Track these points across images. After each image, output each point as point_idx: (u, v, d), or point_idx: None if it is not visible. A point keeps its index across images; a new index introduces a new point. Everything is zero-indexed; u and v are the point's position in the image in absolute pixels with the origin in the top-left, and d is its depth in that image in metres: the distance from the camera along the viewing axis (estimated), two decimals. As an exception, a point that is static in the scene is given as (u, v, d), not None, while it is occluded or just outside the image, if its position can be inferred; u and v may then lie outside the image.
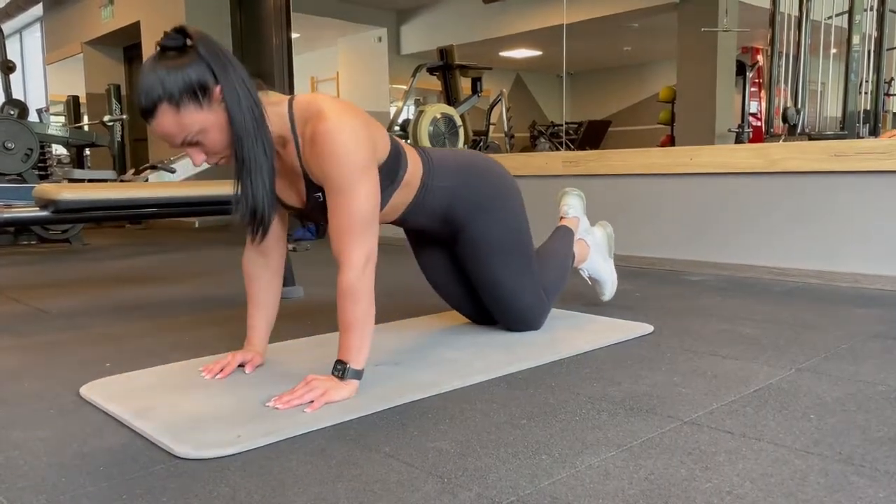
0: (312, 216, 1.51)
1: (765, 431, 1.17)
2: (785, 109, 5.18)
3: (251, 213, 1.36)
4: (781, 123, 5.17)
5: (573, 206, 2.15)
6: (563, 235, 2.07)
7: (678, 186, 3.14)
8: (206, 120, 1.28)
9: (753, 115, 7.43)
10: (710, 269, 3.03)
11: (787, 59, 4.93)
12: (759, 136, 6.91)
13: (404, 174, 1.56)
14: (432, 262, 1.90)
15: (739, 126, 6.91)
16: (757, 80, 7.48)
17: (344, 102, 1.40)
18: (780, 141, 4.35)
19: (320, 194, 1.42)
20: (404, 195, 1.60)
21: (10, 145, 4.63)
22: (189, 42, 1.28)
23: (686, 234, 3.13)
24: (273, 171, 1.36)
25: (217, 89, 1.28)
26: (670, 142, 7.44)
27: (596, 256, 2.15)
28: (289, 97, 1.42)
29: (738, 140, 6.69)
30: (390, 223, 1.70)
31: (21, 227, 4.68)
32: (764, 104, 7.01)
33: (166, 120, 1.27)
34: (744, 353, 1.68)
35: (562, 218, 2.15)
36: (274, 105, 1.39)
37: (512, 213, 1.75)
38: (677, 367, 1.56)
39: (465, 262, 1.79)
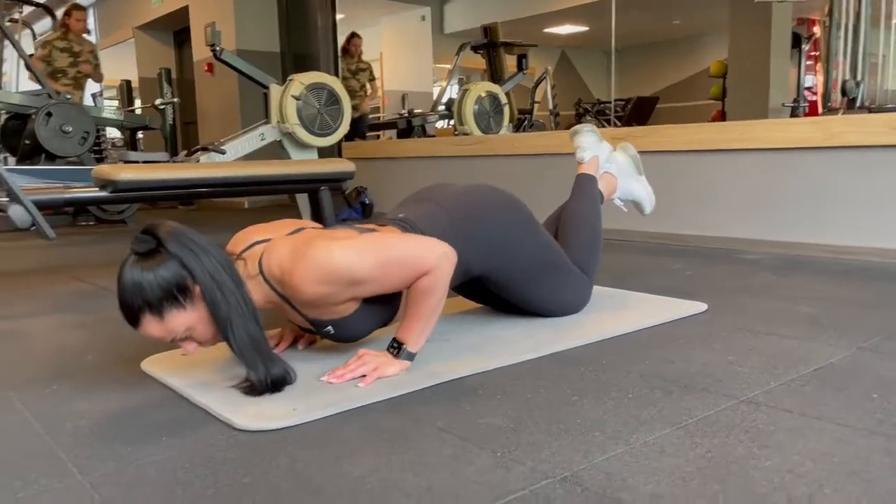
0: (333, 340, 1.48)
1: (826, 411, 1.14)
2: (844, 82, 4.98)
3: (273, 385, 1.27)
4: (840, 97, 4.98)
5: (588, 146, 2.02)
6: (585, 192, 1.95)
7: (731, 163, 3.06)
8: (190, 319, 1.23)
9: (809, 89, 7.17)
10: (764, 248, 2.95)
11: (846, 30, 4.74)
12: (814, 111, 6.67)
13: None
14: (466, 294, 1.86)
15: (795, 100, 6.69)
16: (813, 53, 7.20)
17: (292, 243, 1.34)
18: (839, 115, 4.20)
19: (329, 328, 1.40)
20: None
21: (67, 129, 4.77)
22: (159, 242, 1.22)
23: (740, 211, 3.05)
24: (265, 341, 1.29)
25: (196, 288, 1.23)
26: (721, 117, 7.24)
27: (624, 181, 2.05)
28: (257, 261, 1.34)
29: (794, 115, 6.48)
30: None
31: (79, 208, 4.84)
32: (820, 77, 6.76)
33: (152, 328, 1.23)
34: (802, 332, 1.63)
35: (579, 164, 2.02)
36: (250, 278, 1.32)
37: (523, 242, 1.66)
38: (732, 346, 1.53)
39: (498, 295, 1.74)
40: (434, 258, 1.33)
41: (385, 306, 1.43)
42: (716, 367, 1.38)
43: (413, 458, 1.01)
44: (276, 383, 1.27)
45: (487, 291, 1.74)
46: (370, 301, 1.39)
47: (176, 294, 1.21)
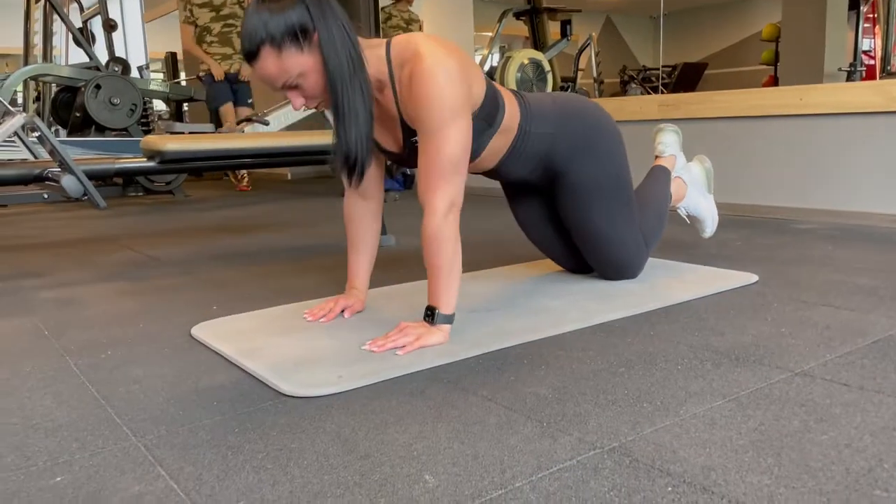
0: (410, 161, 1.50)
1: (885, 384, 1.10)
2: (905, 44, 4.76)
3: (345, 159, 1.37)
4: (900, 60, 4.76)
5: (669, 144, 2.05)
6: (659, 177, 1.98)
7: (786, 129, 2.96)
8: (306, 63, 1.29)
9: (866, 52, 6.87)
10: (820, 217, 2.85)
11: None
12: (872, 75, 6.40)
13: (502, 118, 1.53)
14: (531, 217, 1.87)
15: (851, 65, 6.42)
16: (871, 15, 6.88)
17: (442, 42, 1.38)
18: (900, 79, 4.01)
19: (416, 139, 1.41)
20: (502, 140, 1.57)
21: (115, 101, 4.86)
22: None
23: (794, 179, 2.95)
24: (371, 117, 1.36)
25: (315, 35, 1.29)
26: (773, 83, 7.00)
27: (694, 193, 2.06)
28: (387, 39, 1.41)
29: (850, 80, 6.22)
30: (487, 174, 1.67)
31: (128, 180, 4.94)
32: (879, 41, 6.47)
33: (268, 63, 1.28)
34: (860, 303, 1.58)
35: (657, 157, 2.06)
36: (373, 48, 1.38)
37: (612, 156, 1.70)
38: (785, 318, 1.49)
39: (564, 211, 1.75)
40: (444, 196, 1.34)
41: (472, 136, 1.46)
42: (768, 339, 1.35)
43: (458, 426, 1.01)
44: (359, 154, 1.35)
45: (548, 211, 1.81)
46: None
47: (298, 34, 1.27)
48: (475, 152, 1.51)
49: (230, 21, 5.01)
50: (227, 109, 5.05)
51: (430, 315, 1.37)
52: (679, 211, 2.09)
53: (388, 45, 1.39)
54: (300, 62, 1.29)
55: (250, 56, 1.29)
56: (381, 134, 1.50)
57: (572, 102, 1.70)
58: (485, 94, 1.47)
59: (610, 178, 1.70)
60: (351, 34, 1.32)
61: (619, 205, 1.72)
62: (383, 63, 1.38)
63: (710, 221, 2.11)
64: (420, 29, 6.52)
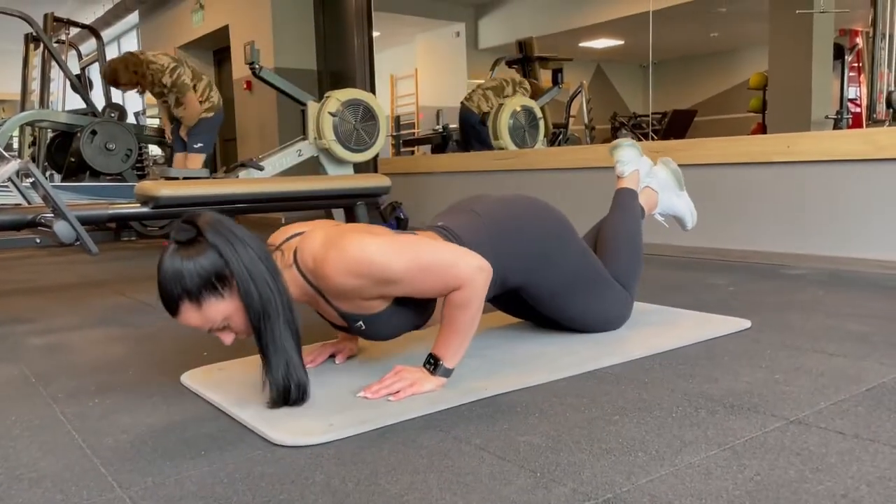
0: (364, 338, 1.48)
1: (880, 433, 1.10)
2: (889, 93, 4.86)
3: (281, 393, 1.27)
4: (885, 108, 4.86)
5: (628, 160, 1.98)
6: (625, 207, 1.91)
7: (775, 176, 2.99)
8: (228, 308, 1.24)
9: (852, 101, 7.01)
10: (810, 263, 2.87)
11: (891, 40, 4.63)
12: (858, 123, 6.51)
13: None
14: (508, 308, 1.85)
15: (838, 112, 6.54)
16: (856, 64, 7.05)
17: (326, 234, 1.34)
18: (885, 126, 4.09)
19: (361, 323, 1.39)
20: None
21: (111, 146, 4.89)
22: (199, 231, 1.23)
23: (784, 225, 2.98)
24: (299, 340, 1.28)
25: (234, 278, 1.23)
26: (761, 130, 7.12)
27: (666, 196, 2.02)
28: (292, 251, 1.35)
29: (837, 127, 6.33)
30: None
31: (122, 224, 4.94)
32: (864, 89, 6.61)
33: (190, 316, 1.23)
34: (852, 350, 1.58)
35: (619, 178, 1.99)
36: (287, 269, 1.33)
37: (564, 257, 1.63)
38: (779, 364, 1.48)
39: (535, 309, 1.71)
40: (469, 270, 1.32)
41: (421, 307, 1.42)
42: (762, 386, 1.34)
43: (451, 476, 1.00)
44: (295, 388, 1.26)
45: (525, 305, 1.72)
46: (405, 302, 1.38)
47: (214, 283, 1.22)
48: (427, 317, 1.46)
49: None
50: (178, 158, 4.76)
51: (433, 364, 1.36)
52: (656, 217, 2.05)
53: (295, 259, 1.34)
54: (221, 309, 1.23)
55: (171, 311, 1.23)
56: (330, 318, 1.47)
57: (510, 217, 1.59)
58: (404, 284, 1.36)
59: (570, 278, 1.65)
60: (268, 265, 1.25)
61: (589, 289, 1.69)
62: (301, 282, 1.34)
63: (688, 216, 2.06)
64: (526, 89, 6.34)
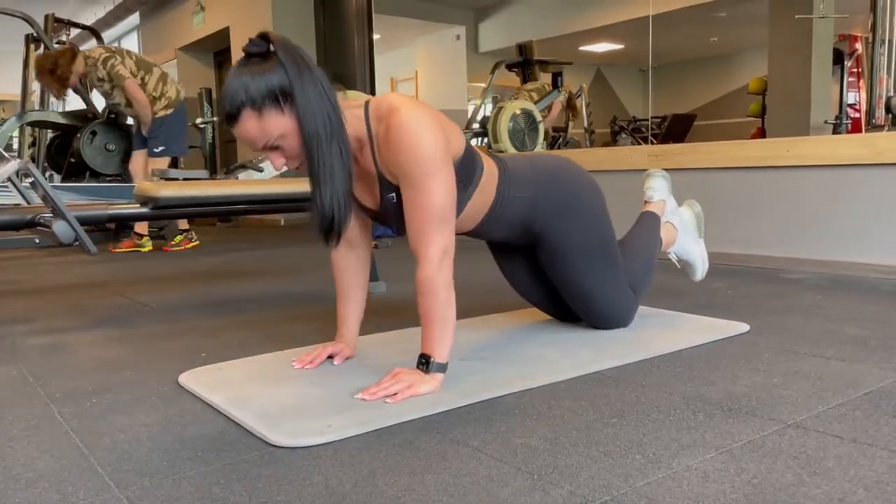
0: (387, 219, 1.50)
1: (878, 437, 1.10)
2: (889, 99, 4.87)
3: (321, 221, 1.34)
4: (884, 113, 4.87)
5: (658, 189, 2.05)
6: (648, 223, 1.98)
7: (774, 180, 3.00)
8: (286, 125, 1.29)
9: (852, 105, 7.02)
10: (809, 267, 2.87)
11: (890, 45, 4.64)
12: (857, 128, 6.53)
13: (480, 176, 1.52)
14: (517, 273, 1.87)
15: (837, 117, 6.56)
16: (855, 70, 7.07)
17: (416, 100, 1.40)
18: (885, 131, 4.10)
19: (394, 195, 1.41)
20: (481, 202, 1.56)
21: (111, 147, 4.89)
22: (271, 48, 1.29)
23: (783, 229, 2.98)
24: (349, 178, 1.34)
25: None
26: (761, 134, 7.13)
27: (684, 239, 2.05)
28: (366, 99, 1.42)
29: (836, 132, 6.34)
30: (468, 234, 1.66)
31: (121, 225, 4.94)
32: (863, 94, 6.62)
33: (249, 125, 1.28)
34: (851, 354, 1.58)
35: (646, 202, 2.05)
36: (352, 108, 1.39)
37: (593, 217, 1.69)
38: (777, 368, 1.48)
39: (549, 270, 1.75)
40: (435, 245, 1.34)
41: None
42: (760, 390, 1.34)
43: (448, 478, 1.00)
44: (335, 218, 1.33)
45: (534, 268, 1.77)
46: None
47: (278, 97, 1.26)
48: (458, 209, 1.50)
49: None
50: (135, 158, 4.41)
51: (425, 363, 1.36)
52: (670, 256, 2.09)
53: (366, 104, 1.40)
54: (281, 124, 1.28)
55: (231, 118, 1.28)
56: (360, 191, 1.50)
57: (551, 165, 1.69)
58: (463, 151, 1.47)
59: (592, 239, 1.69)
60: (330, 95, 1.31)
61: (604, 263, 1.71)
62: (361, 122, 1.39)
63: (700, 265, 2.11)
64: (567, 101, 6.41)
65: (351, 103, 1.40)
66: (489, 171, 1.56)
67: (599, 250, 1.70)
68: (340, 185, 1.32)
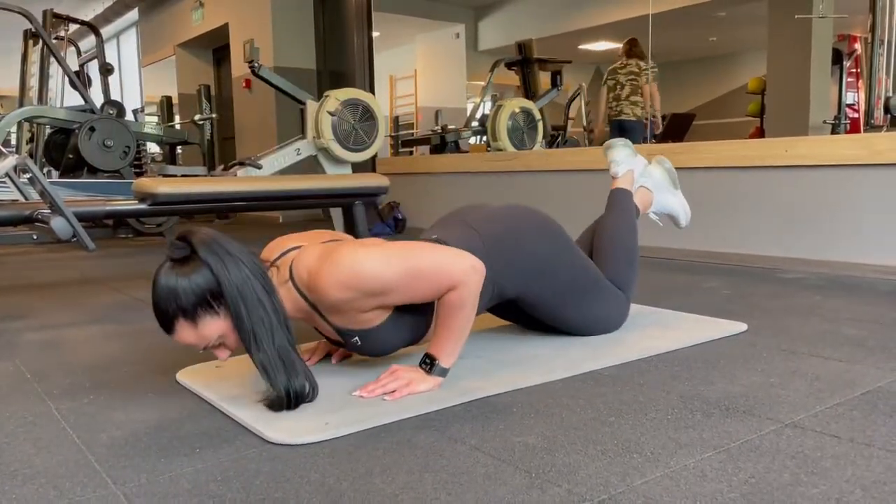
0: (360, 354, 1.46)
1: (875, 437, 1.10)
2: (887, 99, 4.87)
3: (292, 401, 1.25)
4: (883, 114, 4.87)
5: (621, 161, 1.98)
6: (621, 206, 1.91)
7: (772, 179, 3.00)
8: (223, 326, 1.23)
9: (850, 106, 7.02)
10: (807, 267, 2.88)
11: (889, 46, 4.64)
12: (856, 128, 6.53)
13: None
14: (505, 316, 1.85)
15: (836, 118, 6.56)
16: (854, 70, 7.07)
17: (317, 246, 1.35)
18: (883, 132, 4.10)
19: (357, 339, 1.38)
20: None
21: (109, 143, 4.88)
22: (193, 248, 1.22)
23: (781, 229, 2.98)
24: (293, 349, 1.27)
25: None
26: (760, 134, 7.13)
27: (660, 196, 2.01)
28: (288, 267, 1.34)
29: (834, 132, 6.34)
30: None
31: (119, 221, 4.93)
32: (862, 94, 6.62)
33: (186, 334, 1.23)
34: (848, 354, 1.58)
35: (613, 179, 1.99)
36: (282, 285, 1.33)
37: (561, 265, 1.63)
38: (775, 368, 1.48)
39: (535, 315, 1.70)
40: (462, 270, 1.32)
41: (415, 322, 1.41)
42: (758, 390, 1.34)
43: (446, 476, 1.00)
44: (295, 397, 1.24)
45: (521, 312, 1.72)
46: (399, 316, 1.37)
47: (209, 300, 1.21)
48: (423, 332, 1.45)
49: None
50: None
51: (429, 364, 1.36)
52: (650, 216, 2.05)
53: (291, 274, 1.33)
54: (218, 327, 1.23)
55: (166, 327, 1.23)
56: (326, 334, 1.47)
57: (504, 230, 1.58)
58: None
59: (566, 286, 1.65)
60: (262, 281, 1.24)
61: (584, 295, 1.69)
62: (296, 294, 1.33)
63: (682, 214, 2.06)
64: (647, 80, 6.34)
65: (279, 279, 1.33)
66: None
67: (578, 287, 1.67)
68: (290, 361, 1.24)
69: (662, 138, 9.00)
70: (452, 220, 1.63)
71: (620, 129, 5.87)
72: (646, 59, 6.26)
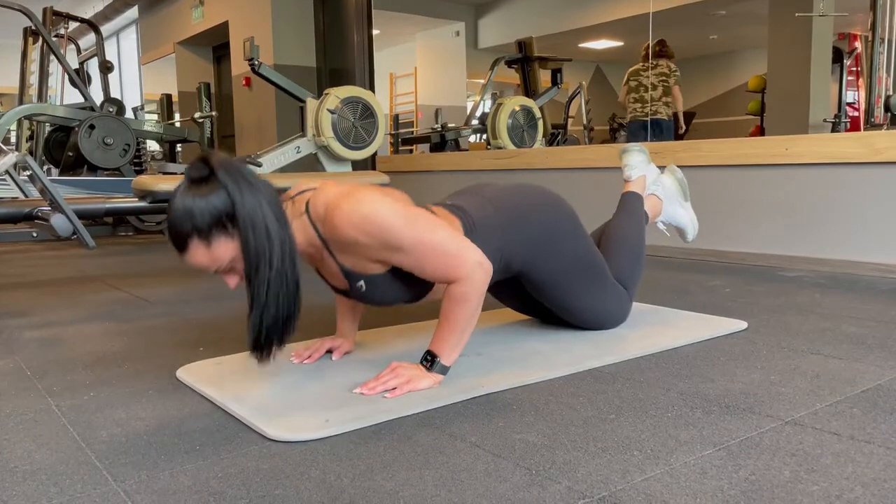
0: (361, 301, 1.47)
1: (875, 434, 1.10)
2: (888, 98, 4.87)
3: (254, 338, 1.26)
4: (883, 113, 4.87)
5: (635, 166, 2.01)
6: (631, 209, 1.93)
7: (772, 178, 3.00)
8: (236, 249, 1.24)
9: (851, 104, 7.02)
10: (806, 265, 2.88)
11: (889, 45, 4.64)
12: (856, 127, 6.53)
13: None
14: (505, 300, 1.86)
15: (836, 116, 6.56)
16: (855, 69, 7.07)
17: (347, 184, 1.36)
18: (883, 130, 4.10)
19: (362, 283, 1.38)
20: None
21: (109, 141, 4.88)
22: (212, 170, 1.23)
23: (781, 228, 2.99)
24: (297, 294, 1.27)
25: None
26: (760, 133, 7.13)
27: (669, 206, 2.03)
28: (305, 201, 1.36)
29: (834, 131, 6.34)
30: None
31: (119, 219, 4.93)
32: (863, 93, 6.62)
33: (199, 254, 1.24)
34: (848, 352, 1.58)
35: (626, 182, 2.01)
36: (297, 217, 1.34)
37: (568, 245, 1.64)
38: (775, 365, 1.49)
39: (537, 297, 1.71)
40: (470, 264, 1.32)
41: (418, 281, 1.40)
42: (758, 387, 1.34)
43: (446, 473, 1.00)
44: (263, 339, 1.24)
45: (524, 295, 1.72)
46: (402, 272, 1.37)
47: (224, 222, 1.22)
48: (425, 291, 1.46)
49: None
50: None
51: (430, 361, 1.36)
52: (658, 225, 2.07)
53: (307, 208, 1.35)
54: (230, 249, 1.23)
55: (179, 249, 1.24)
56: (330, 277, 1.48)
57: (515, 202, 1.61)
58: None
59: (573, 266, 1.65)
60: (275, 210, 1.24)
61: (591, 280, 1.69)
62: (310, 228, 1.34)
63: (690, 227, 2.08)
64: (676, 82, 6.40)
65: (295, 211, 1.35)
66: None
67: (584, 270, 1.67)
68: (284, 309, 1.25)
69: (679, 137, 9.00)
70: (466, 193, 1.65)
71: (657, 128, 5.91)
72: (674, 59, 6.31)
